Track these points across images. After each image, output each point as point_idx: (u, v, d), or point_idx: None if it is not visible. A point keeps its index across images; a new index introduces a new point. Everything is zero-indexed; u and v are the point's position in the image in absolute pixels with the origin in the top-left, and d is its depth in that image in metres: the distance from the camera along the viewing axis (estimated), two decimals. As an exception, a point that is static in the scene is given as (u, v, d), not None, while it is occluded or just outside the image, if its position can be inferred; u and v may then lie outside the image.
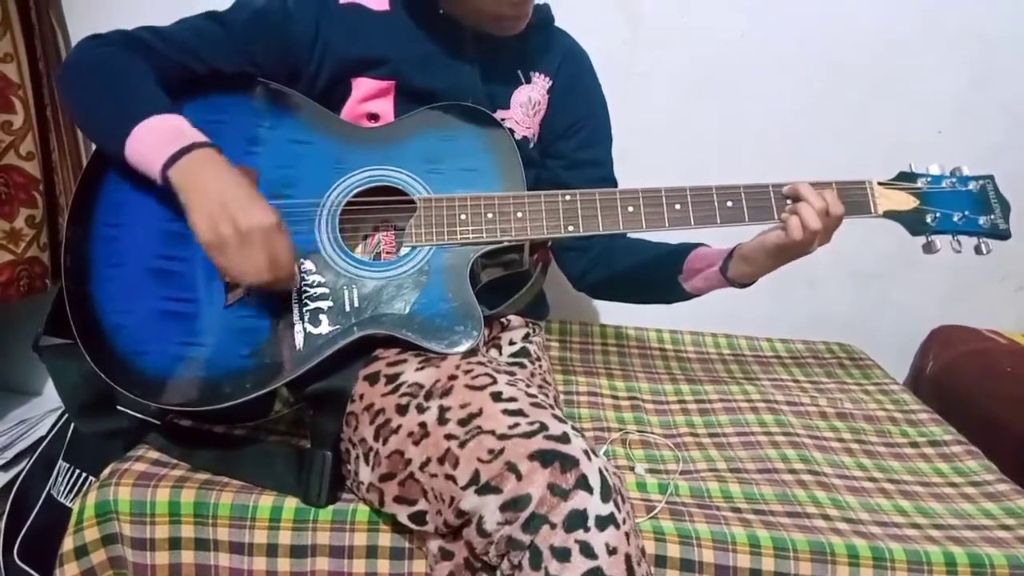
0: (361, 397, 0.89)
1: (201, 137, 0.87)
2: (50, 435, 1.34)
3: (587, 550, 0.72)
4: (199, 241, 0.84)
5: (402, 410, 0.84)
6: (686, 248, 1.11)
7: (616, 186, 1.16)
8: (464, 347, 0.90)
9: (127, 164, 0.88)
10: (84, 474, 1.20)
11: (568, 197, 0.97)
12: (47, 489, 1.25)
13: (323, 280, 0.93)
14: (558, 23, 1.16)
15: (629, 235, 1.15)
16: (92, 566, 0.92)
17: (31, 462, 1.33)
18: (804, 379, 1.47)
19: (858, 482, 1.12)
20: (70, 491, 1.20)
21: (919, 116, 1.60)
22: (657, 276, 1.13)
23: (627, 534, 0.74)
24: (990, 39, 1.54)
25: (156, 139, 0.86)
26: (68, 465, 1.23)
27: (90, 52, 0.94)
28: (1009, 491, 1.12)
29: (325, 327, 0.91)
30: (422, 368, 0.88)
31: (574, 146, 1.15)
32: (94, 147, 0.97)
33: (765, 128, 1.59)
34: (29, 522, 1.24)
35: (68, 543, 0.91)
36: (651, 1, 1.52)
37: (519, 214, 0.96)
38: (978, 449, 1.24)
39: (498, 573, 0.76)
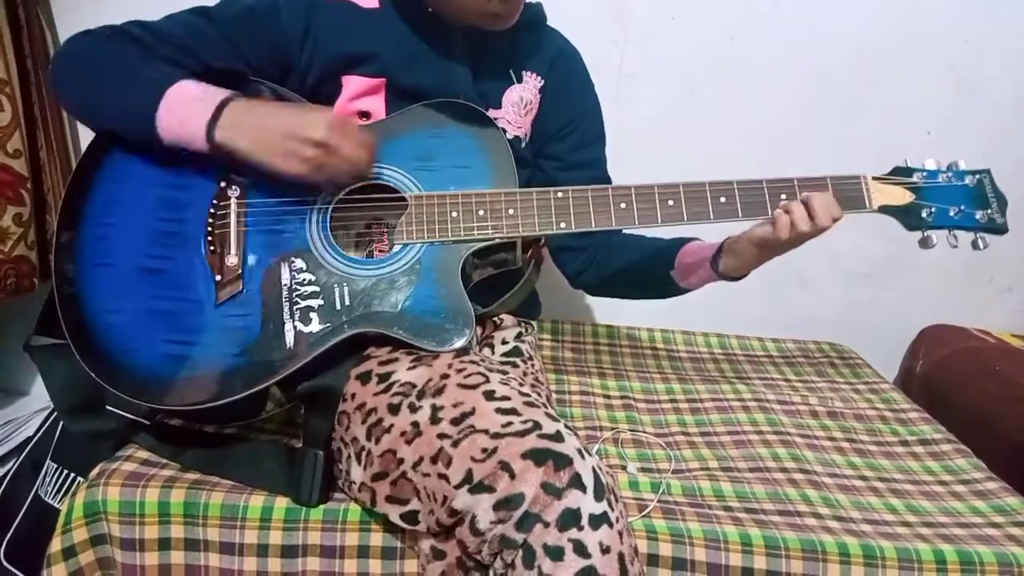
0: (353, 396, 0.89)
1: (219, 95, 0.88)
2: (38, 435, 1.33)
3: (580, 549, 0.71)
4: (292, 177, 0.88)
5: (394, 409, 0.84)
6: (677, 243, 1.11)
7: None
8: (456, 345, 0.90)
9: (157, 143, 0.90)
10: (72, 474, 1.19)
11: (560, 194, 0.97)
12: (34, 489, 1.24)
13: (313, 278, 0.92)
14: (549, 23, 1.16)
15: (624, 232, 1.15)
16: (80, 567, 0.92)
17: (18, 462, 1.32)
18: (795, 378, 1.48)
19: (849, 480, 1.12)
20: (58, 491, 1.20)
21: (908, 118, 1.61)
22: (651, 273, 1.13)
23: (620, 533, 0.74)
24: (977, 42, 1.55)
25: (183, 112, 0.87)
26: (56, 465, 1.22)
27: (85, 44, 0.93)
28: (998, 489, 1.13)
29: (316, 325, 0.90)
30: (414, 367, 0.87)
31: (567, 147, 1.15)
32: (84, 145, 0.96)
33: (755, 130, 1.59)
34: (16, 523, 1.23)
35: (56, 544, 0.90)
36: (641, 2, 1.52)
37: (511, 211, 0.96)
38: (967, 447, 1.25)
39: (491, 572, 0.76)
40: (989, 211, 0.98)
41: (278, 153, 0.87)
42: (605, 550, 0.72)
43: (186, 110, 0.88)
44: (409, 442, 0.81)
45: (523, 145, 1.11)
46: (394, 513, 0.83)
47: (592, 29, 1.45)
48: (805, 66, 1.57)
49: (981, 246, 0.98)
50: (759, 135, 1.59)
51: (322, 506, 0.92)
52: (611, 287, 1.22)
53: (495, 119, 1.04)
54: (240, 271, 0.92)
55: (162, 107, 0.87)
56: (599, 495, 0.74)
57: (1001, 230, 0.98)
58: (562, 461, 0.74)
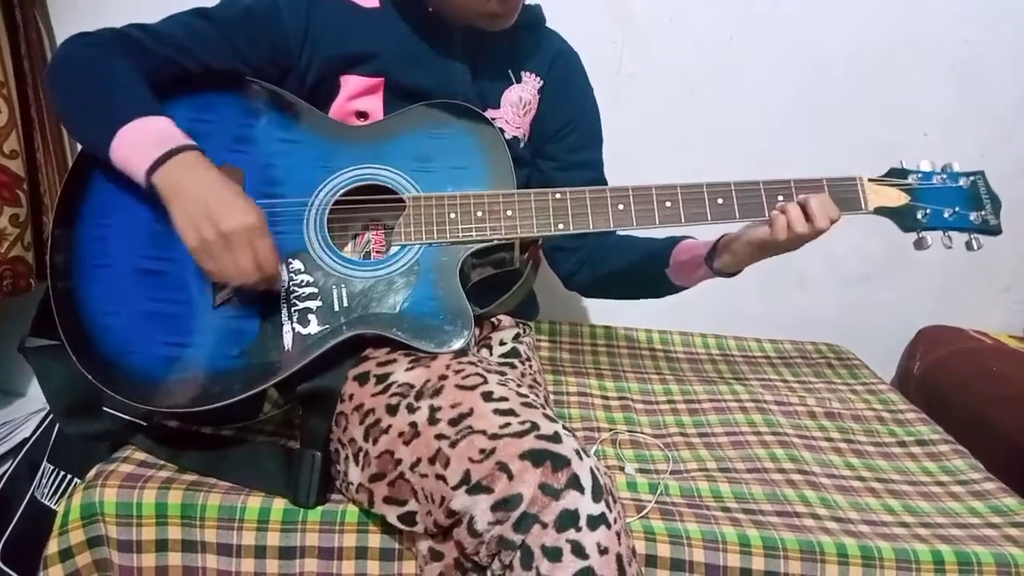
0: (351, 397, 0.89)
1: (185, 140, 0.86)
2: (34, 436, 1.33)
3: (578, 550, 0.71)
4: (185, 245, 0.84)
5: (392, 410, 0.84)
6: (672, 242, 1.11)
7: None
8: (454, 346, 0.89)
9: (113, 166, 0.88)
10: (69, 476, 1.19)
11: (558, 195, 0.97)
12: (31, 491, 1.24)
13: (311, 280, 0.92)
14: (548, 24, 1.16)
15: (618, 232, 1.15)
16: (77, 568, 0.91)
17: (15, 464, 1.32)
18: (793, 379, 1.48)
19: (847, 481, 1.12)
20: (54, 493, 1.19)
21: (907, 118, 1.61)
22: (646, 273, 1.13)
23: (618, 534, 0.74)
24: (977, 42, 1.56)
25: (140, 143, 0.86)
26: (53, 467, 1.22)
27: (77, 51, 0.92)
28: (995, 489, 1.13)
29: (314, 327, 0.90)
30: (412, 368, 0.87)
31: (565, 147, 1.15)
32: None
33: (755, 129, 1.59)
34: (12, 525, 1.23)
35: (53, 545, 0.90)
36: (641, 3, 1.53)
37: (509, 212, 0.96)
38: (965, 448, 1.25)
39: (488, 573, 0.76)
40: (983, 212, 0.98)
41: (188, 216, 0.83)
42: (603, 551, 0.72)
43: (139, 145, 0.86)
44: (407, 443, 0.81)
45: (521, 145, 1.11)
46: (392, 514, 0.83)
47: (592, 30, 1.45)
48: (805, 66, 1.57)
49: (975, 247, 0.99)
50: (759, 135, 1.59)
51: (320, 507, 0.92)
52: (606, 287, 1.23)
53: (493, 119, 1.04)
54: (238, 272, 0.92)
55: (117, 138, 0.86)
56: (597, 496, 0.74)
57: (995, 231, 0.99)
58: (560, 462, 0.74)
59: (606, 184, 1.17)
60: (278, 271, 0.88)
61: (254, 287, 0.87)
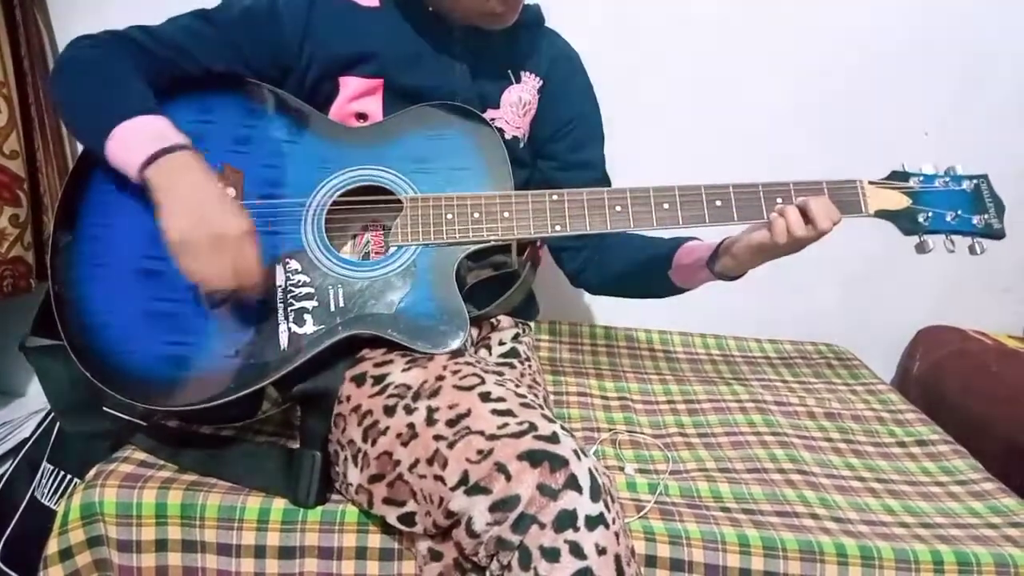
0: (348, 398, 0.89)
1: (184, 140, 0.86)
2: (34, 437, 1.33)
3: (577, 550, 0.71)
4: (165, 240, 0.83)
5: (390, 411, 0.84)
6: (675, 244, 1.11)
7: (609, 187, 1.16)
8: (450, 347, 0.90)
9: (110, 164, 0.88)
10: (69, 476, 1.19)
11: (555, 197, 0.97)
12: (31, 491, 1.24)
13: (308, 280, 0.92)
14: (548, 24, 1.16)
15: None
16: (77, 568, 0.91)
17: (15, 464, 1.32)
18: (792, 379, 1.48)
19: (846, 481, 1.12)
20: (54, 493, 1.19)
21: (908, 118, 1.61)
22: (649, 273, 1.13)
23: (617, 534, 0.74)
24: (978, 44, 1.56)
25: (137, 139, 0.85)
26: (52, 467, 1.22)
27: (80, 53, 0.93)
28: (995, 490, 1.13)
29: (310, 327, 0.90)
30: (409, 369, 0.87)
31: (565, 147, 1.15)
32: (81, 145, 0.96)
33: (755, 130, 1.59)
34: (12, 525, 1.23)
35: (53, 545, 0.90)
36: (641, 3, 1.52)
37: (506, 214, 0.96)
38: (964, 448, 1.25)
39: (487, 573, 0.76)
40: (986, 216, 0.97)
41: (177, 212, 0.83)
42: (601, 551, 0.72)
43: (136, 141, 0.85)
44: (405, 444, 0.81)
45: (521, 146, 1.11)
46: (391, 515, 0.83)
47: (591, 30, 1.45)
48: (805, 66, 1.56)
49: (978, 251, 0.98)
50: (759, 135, 1.59)
51: (319, 507, 0.92)
52: (610, 287, 1.23)
53: (493, 119, 1.04)
54: (236, 272, 0.92)
55: (112, 136, 0.85)
56: (595, 496, 0.74)
57: (998, 235, 0.98)
58: (558, 462, 0.74)
59: (609, 183, 1.17)
60: (256, 282, 0.87)
61: (230, 293, 0.86)
